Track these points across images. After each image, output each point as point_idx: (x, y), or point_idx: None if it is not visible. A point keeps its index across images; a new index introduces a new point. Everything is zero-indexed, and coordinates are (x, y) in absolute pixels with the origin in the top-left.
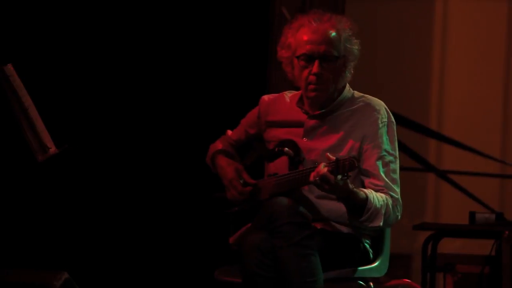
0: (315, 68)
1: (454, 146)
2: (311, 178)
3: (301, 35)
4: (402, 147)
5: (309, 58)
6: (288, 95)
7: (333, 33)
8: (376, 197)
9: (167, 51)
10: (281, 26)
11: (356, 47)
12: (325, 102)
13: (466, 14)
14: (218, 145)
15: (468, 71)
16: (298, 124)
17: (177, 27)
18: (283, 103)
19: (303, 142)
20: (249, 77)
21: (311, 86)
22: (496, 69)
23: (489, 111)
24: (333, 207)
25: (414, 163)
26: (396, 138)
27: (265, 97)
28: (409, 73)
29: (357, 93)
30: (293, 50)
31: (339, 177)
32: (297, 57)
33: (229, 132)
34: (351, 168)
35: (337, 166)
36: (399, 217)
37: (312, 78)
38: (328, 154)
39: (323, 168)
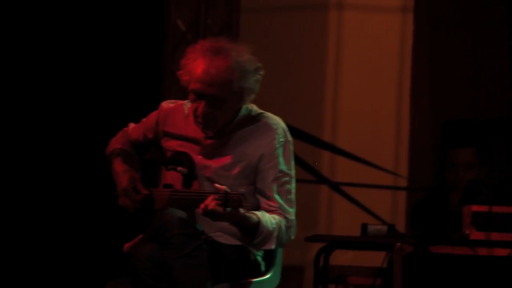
0: (201, 108)
1: (347, 158)
2: (200, 211)
3: (195, 69)
4: (296, 159)
5: (198, 96)
6: (188, 105)
7: (226, 74)
8: (269, 220)
9: (59, 58)
10: (176, 37)
11: (253, 82)
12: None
13: (360, 27)
14: (117, 142)
15: (361, 83)
16: (194, 141)
17: (70, 36)
18: (181, 115)
19: (199, 158)
20: (142, 87)
21: (199, 120)
22: (389, 81)
23: (382, 124)
24: (227, 229)
25: (307, 175)
26: (292, 157)
27: (164, 105)
28: (303, 85)
29: (255, 110)
30: (188, 80)
31: (228, 209)
32: (189, 90)
33: (131, 125)
34: (239, 205)
35: (226, 200)
36: (292, 237)
37: (199, 114)
38: (216, 185)
39: (211, 202)
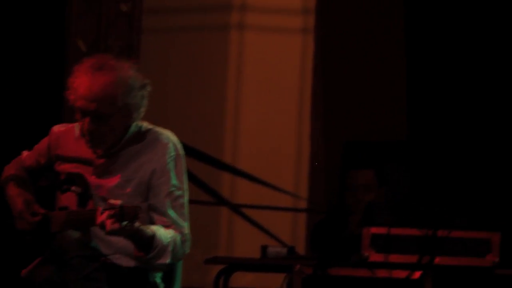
0: (86, 125)
1: (248, 179)
2: (97, 223)
3: (78, 86)
4: (196, 181)
5: (82, 113)
6: (79, 126)
7: (109, 90)
8: (164, 234)
9: None
10: (76, 58)
11: (139, 98)
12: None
13: (261, 47)
14: (11, 169)
15: (262, 104)
16: (87, 162)
17: None
18: (72, 137)
19: (92, 179)
20: (44, 108)
21: (87, 138)
22: (290, 102)
23: (282, 145)
24: (124, 242)
25: (208, 196)
26: (185, 171)
27: (55, 129)
28: (204, 105)
29: (145, 126)
30: (74, 99)
31: (124, 223)
32: (75, 108)
33: (25, 153)
34: (135, 218)
35: (121, 214)
36: (187, 251)
37: (85, 132)
38: (111, 201)
39: (106, 219)
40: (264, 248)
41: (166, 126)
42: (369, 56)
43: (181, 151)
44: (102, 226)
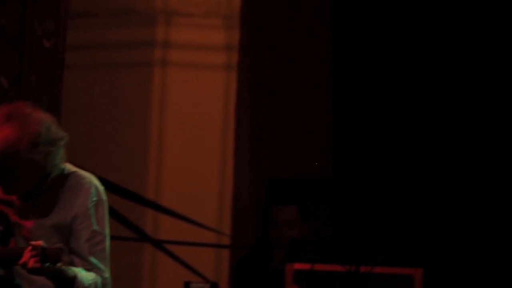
0: None
1: (171, 216)
2: (20, 262)
3: None
4: (119, 217)
5: None
6: None
7: (9, 144)
8: (85, 276)
9: None
10: None
11: (49, 153)
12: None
13: (184, 84)
14: None
15: (186, 140)
16: (8, 203)
17: None
18: None
19: (14, 218)
20: None
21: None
22: (214, 139)
23: (206, 181)
24: (47, 281)
25: (131, 232)
26: (106, 216)
27: None
28: (127, 141)
29: (68, 169)
30: None
31: (47, 264)
32: None
33: None
34: (58, 260)
35: (44, 255)
36: None
37: None
38: (32, 242)
39: (29, 259)
40: (187, 284)
41: (89, 162)
42: (294, 93)
43: (103, 196)
44: (24, 265)
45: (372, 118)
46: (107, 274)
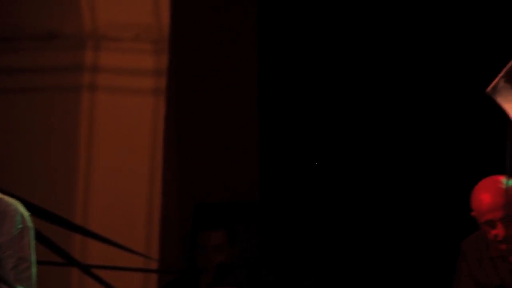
0: None
1: (98, 240)
2: None
3: None
4: (46, 242)
5: None
6: None
7: None
8: None
9: None
10: None
11: None
12: None
13: (112, 108)
14: None
15: (114, 165)
16: None
17: None
18: None
19: None
20: None
21: None
22: (142, 163)
23: (134, 206)
24: None
25: (58, 257)
26: (32, 242)
27: None
28: (55, 166)
29: None
30: None
31: None
32: None
33: None
34: None
35: None
36: None
37: None
38: None
39: None
40: None
41: (16, 187)
42: (221, 117)
43: (29, 223)
44: None
45: (298, 141)
46: None
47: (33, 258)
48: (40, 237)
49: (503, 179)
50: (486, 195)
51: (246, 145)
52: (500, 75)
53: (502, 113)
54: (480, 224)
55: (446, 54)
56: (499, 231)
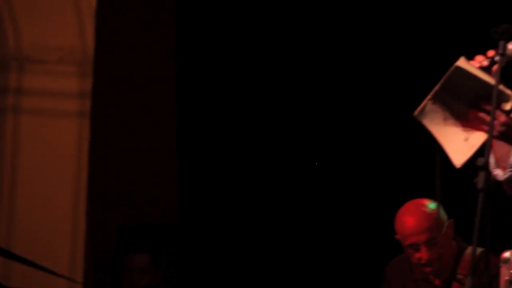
0: None
1: (22, 263)
2: None
3: None
4: None
5: None
6: None
7: None
8: None
9: None
10: None
11: None
12: None
13: (36, 131)
14: None
15: (38, 188)
16: None
17: None
18: None
19: None
20: None
21: None
22: (66, 187)
23: (58, 230)
24: None
25: None
26: None
27: None
28: None
29: None
30: None
31: None
32: None
33: None
34: None
35: None
36: None
37: None
38: None
39: None
40: None
41: None
42: (142, 140)
43: None
44: None
45: (217, 162)
46: None
47: None
48: None
49: (426, 202)
50: (409, 218)
51: (165, 167)
52: (428, 98)
53: (430, 136)
54: (403, 247)
55: (372, 77)
56: (422, 254)
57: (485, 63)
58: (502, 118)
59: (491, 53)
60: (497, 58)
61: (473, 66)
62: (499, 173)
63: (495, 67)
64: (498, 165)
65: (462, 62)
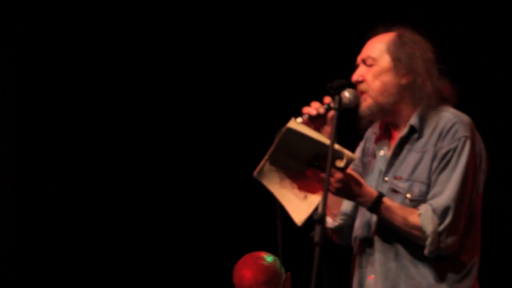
0: None
1: None
2: None
3: None
4: None
5: None
6: None
7: None
8: None
9: None
10: None
11: None
12: None
13: None
14: None
15: None
16: None
17: None
18: None
19: None
20: None
21: None
22: None
23: None
24: None
25: None
26: None
27: None
28: None
29: None
30: None
31: None
32: None
33: None
34: None
35: None
36: None
37: None
38: None
39: None
40: None
41: None
42: None
43: None
44: None
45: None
46: None
47: None
48: None
49: (264, 255)
50: (247, 271)
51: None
52: (265, 158)
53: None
54: None
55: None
56: None
57: (322, 110)
58: (338, 175)
59: (327, 99)
60: (333, 104)
61: (304, 126)
62: (329, 221)
63: (330, 114)
64: (327, 212)
65: (292, 124)
